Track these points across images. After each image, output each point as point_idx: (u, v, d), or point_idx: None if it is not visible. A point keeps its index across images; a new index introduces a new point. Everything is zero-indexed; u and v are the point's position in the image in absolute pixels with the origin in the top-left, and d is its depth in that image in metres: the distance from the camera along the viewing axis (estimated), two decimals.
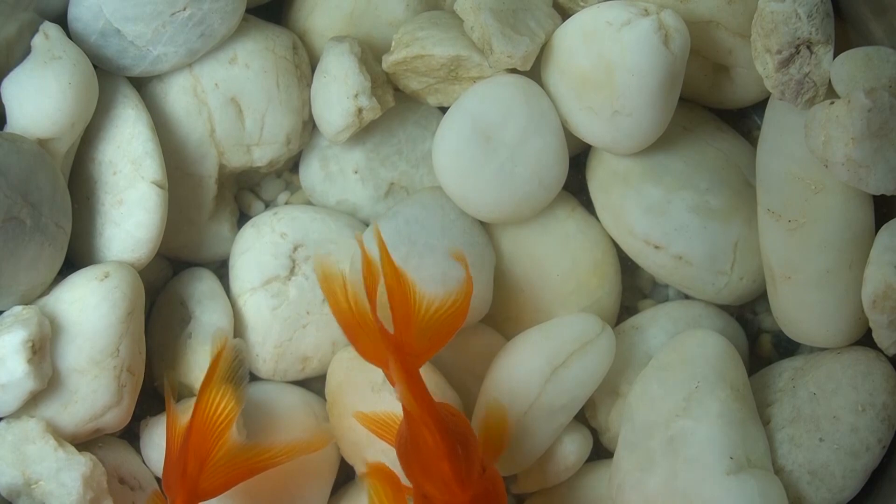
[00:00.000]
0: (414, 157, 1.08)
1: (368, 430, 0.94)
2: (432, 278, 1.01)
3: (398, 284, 0.91)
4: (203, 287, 1.05)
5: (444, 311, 0.91)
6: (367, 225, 1.04)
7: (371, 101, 1.01)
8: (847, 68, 0.94)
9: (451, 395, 1.01)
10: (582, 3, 1.03)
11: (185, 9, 0.99)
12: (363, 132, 1.05)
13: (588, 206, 1.07)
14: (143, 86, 1.03)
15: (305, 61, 1.07)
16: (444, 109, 1.05)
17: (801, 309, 1.00)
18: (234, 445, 0.91)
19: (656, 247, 1.03)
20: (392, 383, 0.90)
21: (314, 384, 1.06)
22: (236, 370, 0.93)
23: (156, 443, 1.00)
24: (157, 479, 1.00)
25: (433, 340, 0.91)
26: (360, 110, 1.02)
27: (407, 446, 0.88)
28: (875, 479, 0.97)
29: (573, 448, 1.01)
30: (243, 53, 1.04)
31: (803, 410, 0.97)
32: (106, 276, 0.95)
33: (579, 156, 1.07)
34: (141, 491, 0.98)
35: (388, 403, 1.00)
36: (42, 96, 0.94)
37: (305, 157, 1.09)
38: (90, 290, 0.95)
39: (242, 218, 1.10)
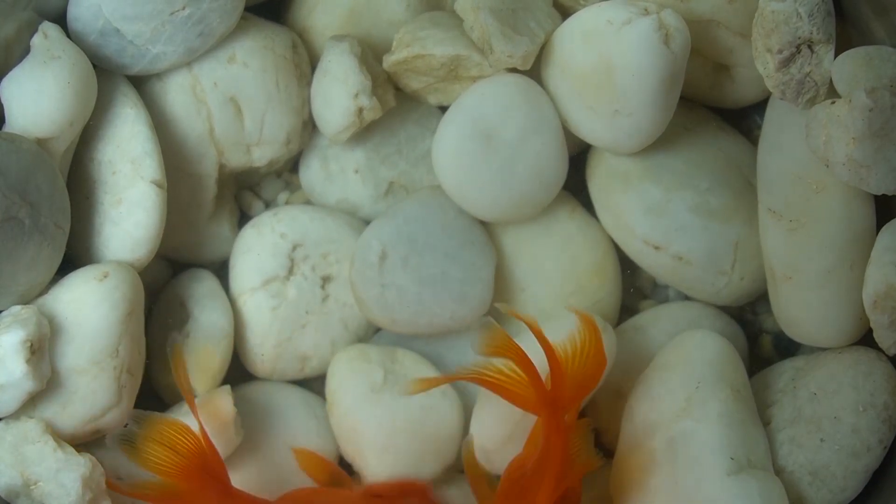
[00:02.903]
0: (414, 157, 1.08)
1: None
2: (432, 278, 1.00)
3: (546, 344, 0.91)
4: (203, 287, 1.04)
5: (586, 359, 0.92)
6: (368, 224, 1.04)
7: (371, 101, 1.01)
8: (848, 68, 0.94)
9: (450, 395, 1.01)
10: (582, 3, 1.03)
11: (183, 8, 0.99)
12: (363, 131, 1.05)
13: (588, 206, 1.07)
14: (141, 85, 1.03)
15: (305, 60, 1.07)
16: (444, 109, 1.05)
17: (801, 309, 0.99)
18: None
19: (656, 247, 1.02)
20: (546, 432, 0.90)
21: (313, 384, 1.06)
22: None
23: None
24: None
25: (580, 390, 0.92)
26: (360, 110, 1.01)
27: (526, 476, 0.90)
28: (876, 480, 0.97)
29: None
30: (242, 52, 1.04)
31: (804, 411, 0.97)
32: (105, 277, 0.95)
33: (579, 156, 1.07)
34: None
35: (387, 405, 1.00)
36: (41, 96, 0.94)
37: (305, 157, 1.08)
38: (89, 290, 0.94)
39: (242, 218, 1.10)
